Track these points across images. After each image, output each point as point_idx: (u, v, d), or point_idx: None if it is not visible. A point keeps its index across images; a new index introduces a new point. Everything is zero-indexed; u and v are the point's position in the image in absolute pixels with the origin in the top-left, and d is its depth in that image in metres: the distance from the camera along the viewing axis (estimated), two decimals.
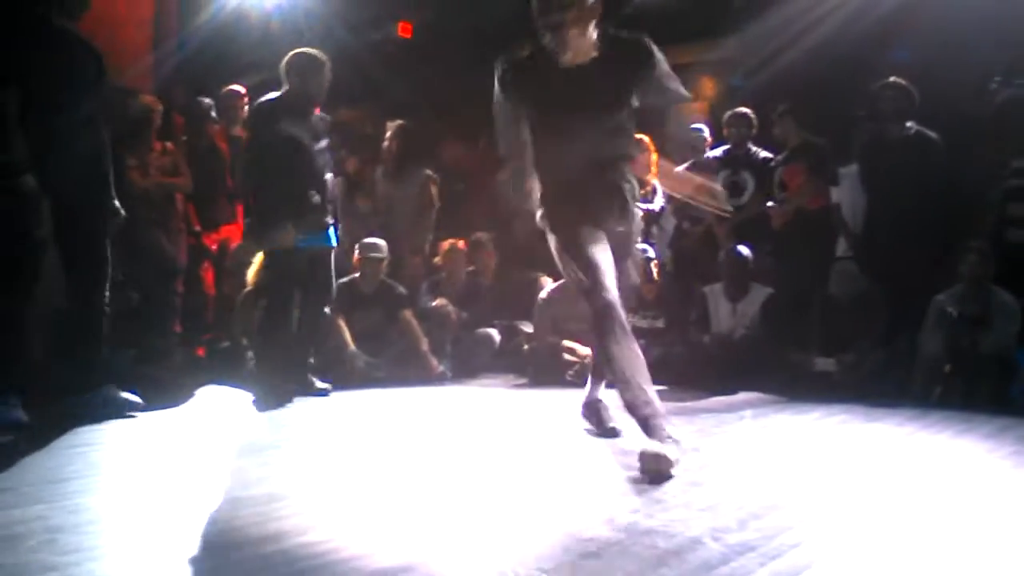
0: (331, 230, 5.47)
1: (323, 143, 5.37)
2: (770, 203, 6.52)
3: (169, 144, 6.28)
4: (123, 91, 5.93)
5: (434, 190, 7.49)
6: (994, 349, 5.53)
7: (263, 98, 5.30)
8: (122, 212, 4.58)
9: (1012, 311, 5.59)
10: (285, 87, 5.23)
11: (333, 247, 5.51)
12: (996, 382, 5.44)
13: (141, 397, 4.54)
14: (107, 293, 4.47)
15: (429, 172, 7.58)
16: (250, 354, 5.93)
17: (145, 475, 3.33)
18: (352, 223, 6.89)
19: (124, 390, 4.49)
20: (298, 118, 5.20)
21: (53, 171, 4.17)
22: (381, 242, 6.53)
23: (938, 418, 4.90)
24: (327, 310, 5.73)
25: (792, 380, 5.86)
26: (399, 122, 7.54)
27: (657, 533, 2.60)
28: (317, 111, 5.41)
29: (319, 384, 5.47)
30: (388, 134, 7.42)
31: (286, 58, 5.24)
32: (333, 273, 5.55)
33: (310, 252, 5.30)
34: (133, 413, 4.43)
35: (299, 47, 5.46)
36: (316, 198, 5.22)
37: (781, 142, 6.62)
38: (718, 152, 6.91)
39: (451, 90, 9.33)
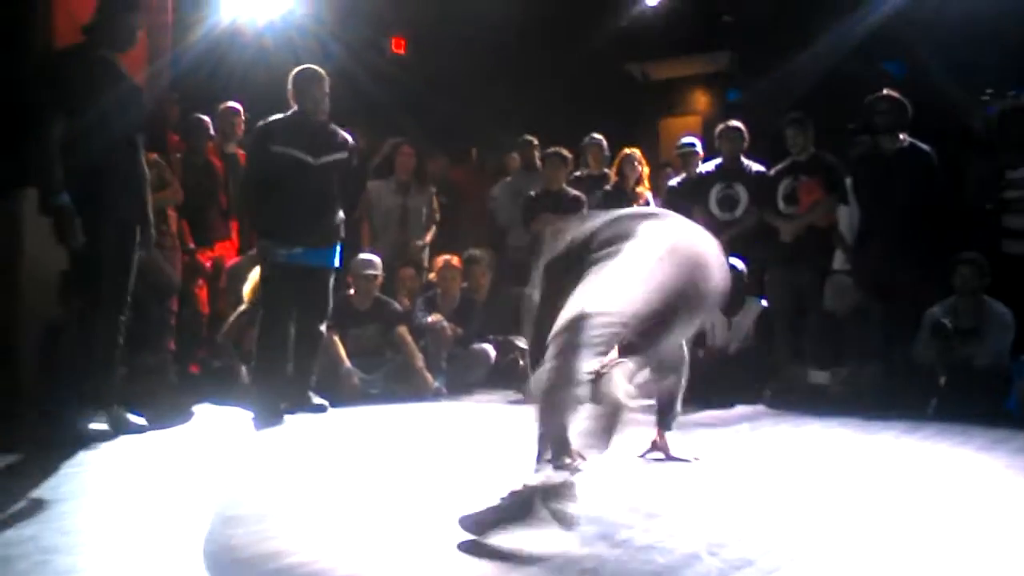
0: (335, 248, 5.46)
1: (334, 158, 5.37)
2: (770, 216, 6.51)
3: (152, 155, 6.21)
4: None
5: (436, 205, 7.56)
6: (988, 361, 5.53)
7: (265, 121, 5.36)
8: (154, 233, 4.73)
9: (1006, 323, 5.59)
10: (291, 107, 5.31)
11: (333, 267, 5.49)
12: (991, 394, 5.44)
13: (142, 416, 4.52)
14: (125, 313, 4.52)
15: (433, 188, 7.64)
16: (244, 371, 5.91)
17: (138, 495, 3.31)
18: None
19: (119, 411, 4.47)
20: (297, 135, 5.22)
21: (101, 194, 4.31)
22: (375, 258, 6.52)
23: (933, 431, 4.90)
24: (323, 329, 5.70)
25: (787, 393, 5.85)
26: (399, 140, 7.58)
27: (654, 549, 2.59)
28: (339, 128, 5.45)
29: (316, 400, 5.44)
30: (402, 149, 7.43)
31: (290, 77, 5.31)
32: (330, 292, 5.52)
33: (307, 269, 5.29)
34: (127, 434, 4.41)
35: (292, 64, 5.49)
36: (314, 215, 5.25)
37: (793, 151, 6.51)
38: (711, 166, 6.92)
39: (444, 105, 9.37)
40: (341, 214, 5.49)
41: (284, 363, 5.29)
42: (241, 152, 6.68)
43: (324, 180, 5.34)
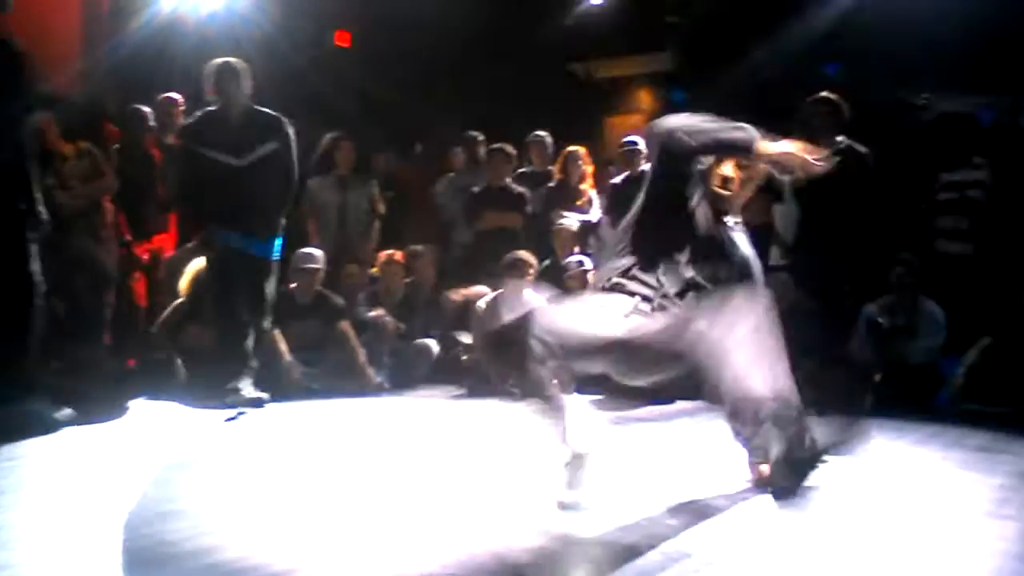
0: (274, 241, 5.38)
1: (261, 153, 5.27)
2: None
3: (82, 143, 6.05)
4: (50, 98, 5.79)
5: (378, 200, 7.49)
6: (922, 358, 5.66)
7: (186, 120, 5.27)
8: (44, 217, 4.45)
9: (938, 321, 5.73)
10: (209, 99, 5.21)
11: (271, 259, 5.41)
12: (924, 390, 5.56)
13: (70, 411, 4.42)
14: (36, 304, 4.36)
15: (375, 182, 7.57)
16: (179, 364, 5.82)
17: (71, 490, 3.24)
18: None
19: (53, 404, 4.37)
20: (220, 134, 5.14)
21: None
22: (317, 252, 6.46)
23: (869, 426, 4.98)
24: (266, 321, 5.63)
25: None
26: (338, 134, 7.51)
27: (593, 542, 2.60)
28: (268, 112, 5.32)
29: (251, 395, 5.33)
30: (341, 144, 7.36)
31: (205, 70, 5.19)
32: (269, 285, 5.45)
33: (249, 258, 5.22)
34: (61, 428, 4.31)
35: (235, 55, 5.39)
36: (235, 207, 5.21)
37: None
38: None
39: (388, 100, 9.31)
40: (283, 206, 5.41)
41: (244, 339, 5.24)
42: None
43: (253, 178, 5.23)
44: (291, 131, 5.45)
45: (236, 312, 5.26)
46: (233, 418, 4.97)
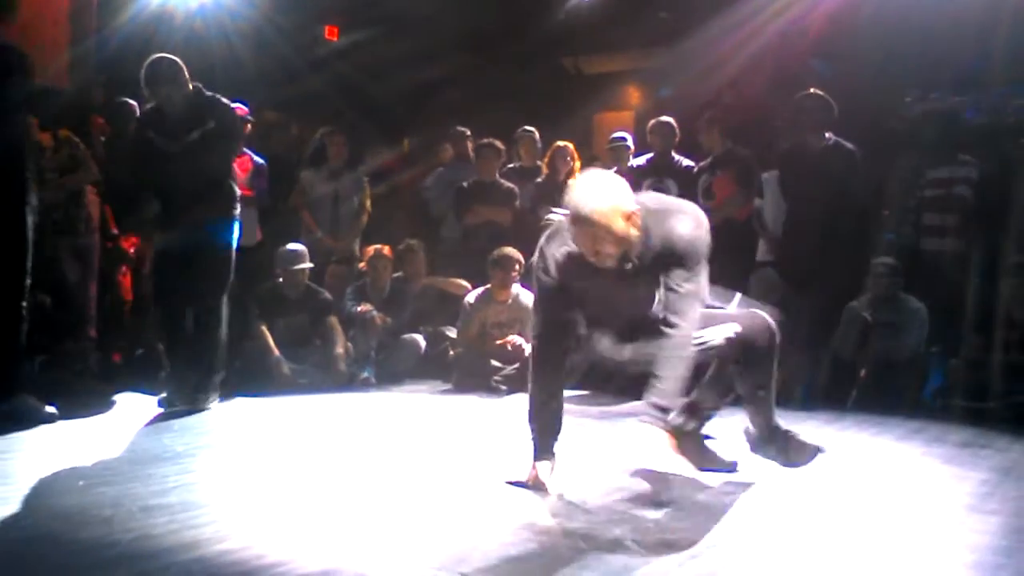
0: (224, 225, 5.18)
1: (198, 133, 5.06)
2: None
3: (63, 131, 5.98)
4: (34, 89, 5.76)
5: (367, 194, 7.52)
6: (906, 354, 5.69)
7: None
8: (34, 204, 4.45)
9: (922, 318, 5.76)
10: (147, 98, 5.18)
11: (223, 244, 5.18)
12: (908, 386, 5.60)
13: (55, 406, 4.40)
14: (25, 297, 4.36)
15: (365, 176, 7.61)
16: (166, 360, 5.81)
17: (57, 484, 3.23)
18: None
19: (39, 400, 4.36)
20: (161, 120, 5.08)
21: None
22: (302, 248, 6.45)
23: (853, 421, 5.02)
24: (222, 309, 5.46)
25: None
26: (330, 128, 7.51)
27: (578, 535, 2.61)
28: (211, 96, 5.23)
29: (205, 403, 5.09)
30: (333, 138, 7.36)
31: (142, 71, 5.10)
32: (224, 270, 5.20)
33: (195, 252, 5.05)
34: (47, 422, 4.30)
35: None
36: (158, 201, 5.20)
37: (707, 149, 6.72)
38: (641, 160, 6.98)
39: (376, 94, 9.30)
40: (233, 188, 5.26)
41: (182, 349, 5.17)
42: None
43: (192, 162, 5.06)
44: (232, 111, 5.32)
45: (181, 320, 5.19)
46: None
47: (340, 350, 6.28)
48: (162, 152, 5.04)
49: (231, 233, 5.22)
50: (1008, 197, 5.92)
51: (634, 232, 2.97)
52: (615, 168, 7.13)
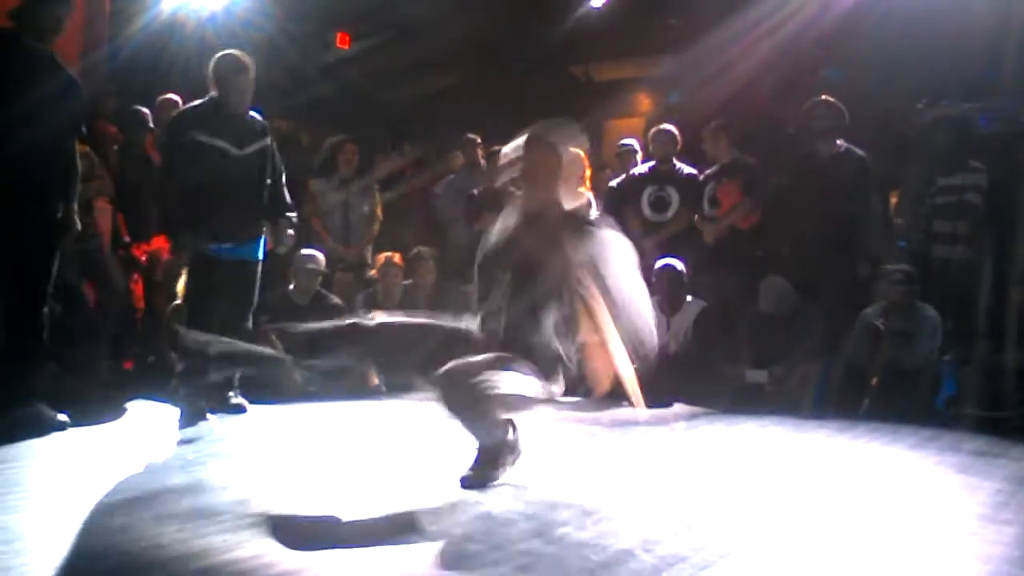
0: (259, 241, 5.28)
1: (258, 146, 5.18)
2: (697, 219, 6.64)
3: (84, 147, 6.01)
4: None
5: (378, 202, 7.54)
6: (919, 362, 5.66)
7: (181, 108, 5.16)
8: (78, 226, 4.59)
9: (935, 325, 5.72)
10: (210, 93, 5.08)
11: (258, 260, 5.29)
12: (921, 394, 5.57)
13: (66, 414, 4.41)
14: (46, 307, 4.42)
15: (376, 184, 7.62)
16: (178, 368, 5.81)
17: (68, 492, 3.23)
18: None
19: (52, 407, 4.37)
20: (219, 124, 5.03)
21: (28, 187, 4.23)
22: (318, 254, 6.46)
23: (865, 429, 5.00)
24: (249, 323, 5.54)
25: (724, 393, 5.91)
26: (342, 137, 7.53)
27: (589, 545, 2.60)
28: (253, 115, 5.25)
29: (235, 400, 5.24)
30: (344, 147, 7.38)
31: (210, 62, 5.11)
32: (256, 286, 5.32)
33: (233, 263, 5.11)
34: (58, 430, 4.31)
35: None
36: (235, 207, 5.07)
37: (712, 158, 6.71)
38: (644, 168, 6.98)
39: (387, 102, 9.32)
40: (266, 204, 5.30)
41: (207, 360, 5.14)
42: None
43: (248, 170, 5.11)
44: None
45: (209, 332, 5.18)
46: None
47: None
48: (224, 153, 5.03)
49: (261, 249, 5.33)
50: (1019, 204, 5.89)
51: (582, 194, 3.25)
52: (623, 175, 7.16)
